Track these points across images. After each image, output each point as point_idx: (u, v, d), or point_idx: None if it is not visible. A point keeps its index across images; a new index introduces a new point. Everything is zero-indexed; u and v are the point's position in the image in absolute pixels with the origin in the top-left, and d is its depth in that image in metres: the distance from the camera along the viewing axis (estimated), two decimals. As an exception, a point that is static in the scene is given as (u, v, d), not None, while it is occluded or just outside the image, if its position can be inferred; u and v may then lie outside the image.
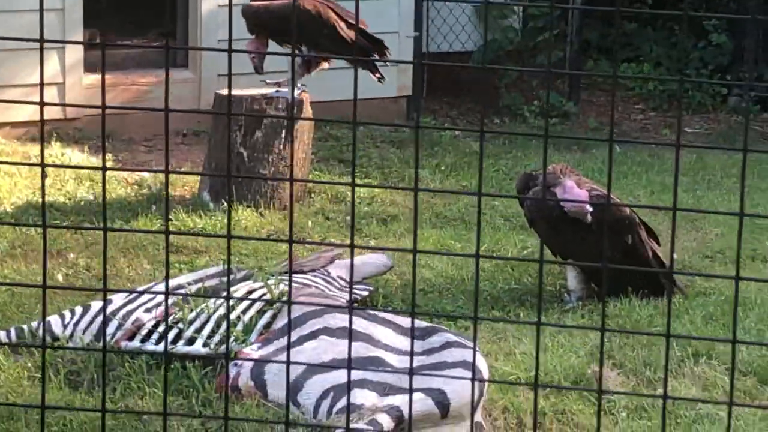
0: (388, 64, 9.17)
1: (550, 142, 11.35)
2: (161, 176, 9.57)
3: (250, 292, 6.45)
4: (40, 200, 8.74)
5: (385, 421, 5.50)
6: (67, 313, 6.54)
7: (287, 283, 6.59)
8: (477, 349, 5.98)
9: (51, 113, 10.36)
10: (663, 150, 11.40)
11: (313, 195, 9.31)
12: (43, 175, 3.86)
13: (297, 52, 8.83)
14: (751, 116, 12.76)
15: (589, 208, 7.21)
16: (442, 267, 7.87)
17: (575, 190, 7.24)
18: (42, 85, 3.21)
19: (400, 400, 5.57)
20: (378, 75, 8.95)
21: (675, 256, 7.58)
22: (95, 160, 9.95)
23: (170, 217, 8.65)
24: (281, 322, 6.19)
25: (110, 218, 8.59)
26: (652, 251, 7.38)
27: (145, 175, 9.75)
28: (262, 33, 8.74)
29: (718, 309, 7.17)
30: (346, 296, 6.87)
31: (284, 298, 6.40)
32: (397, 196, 9.50)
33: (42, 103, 3.00)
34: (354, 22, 8.71)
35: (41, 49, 3.08)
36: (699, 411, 6.07)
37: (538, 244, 8.19)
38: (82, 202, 9.01)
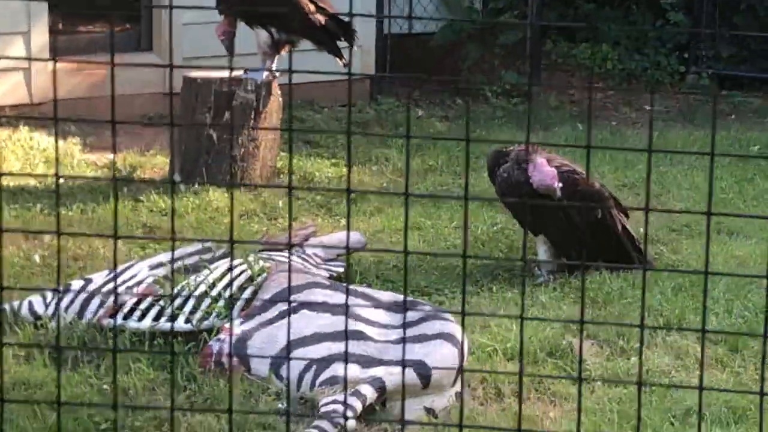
0: (355, 47, 9.22)
1: (515, 120, 11.49)
2: (130, 159, 9.63)
3: (230, 269, 6.52)
4: (10, 185, 8.87)
5: (368, 391, 5.60)
6: (49, 293, 6.59)
7: (266, 259, 6.70)
8: (452, 321, 6.10)
9: (18, 98, 10.40)
10: (625, 127, 11.57)
11: (282, 176, 9.40)
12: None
13: (268, 33, 8.88)
14: (708, 93, 12.93)
15: (558, 184, 7.32)
16: (413, 244, 7.97)
17: (545, 167, 7.35)
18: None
19: (382, 372, 5.67)
20: (344, 61, 9.05)
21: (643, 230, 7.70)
22: (62, 144, 9.98)
23: (141, 198, 8.72)
24: (261, 296, 6.29)
25: (82, 201, 8.65)
26: (621, 224, 7.50)
27: (113, 157, 9.81)
28: (231, 14, 8.79)
29: (686, 280, 7.30)
30: (323, 273, 6.95)
31: (264, 275, 6.49)
32: (364, 177, 9.61)
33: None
34: (322, 5, 8.79)
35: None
36: (672, 378, 6.21)
37: (506, 220, 8.32)
38: (51, 186, 9.06)
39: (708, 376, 6.25)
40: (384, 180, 9.60)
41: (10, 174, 9.14)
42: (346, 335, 5.24)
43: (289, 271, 3.73)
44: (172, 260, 4.30)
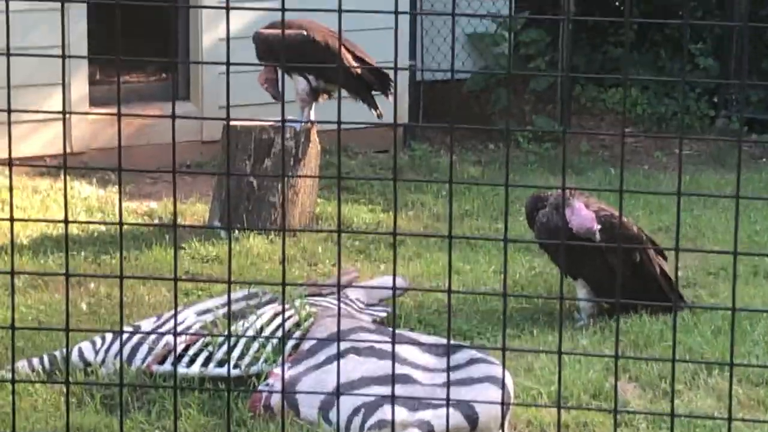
0: (388, 98, 9.28)
1: (547, 165, 11.55)
2: (170, 206, 9.72)
3: (277, 314, 6.60)
4: (54, 233, 8.96)
5: (417, 435, 5.68)
6: (98, 339, 6.67)
7: (311, 304, 6.77)
8: (498, 364, 6.16)
9: (57, 148, 10.51)
10: (657, 171, 11.61)
11: (320, 221, 9.48)
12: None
13: (306, 81, 8.98)
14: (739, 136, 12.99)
15: (597, 227, 7.38)
16: (454, 287, 8.03)
17: (583, 211, 7.42)
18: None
19: (430, 415, 5.74)
20: (378, 112, 9.14)
21: (681, 273, 7.77)
22: (102, 193, 10.08)
23: (183, 245, 8.80)
24: (309, 342, 6.35)
25: (126, 248, 8.73)
26: (660, 268, 7.56)
27: (154, 205, 9.91)
28: (271, 61, 8.88)
29: (725, 322, 7.35)
30: (366, 317, 7.02)
31: (311, 320, 6.56)
32: (401, 222, 9.68)
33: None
34: (360, 55, 8.89)
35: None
36: (716, 421, 6.25)
37: (544, 264, 8.39)
38: (95, 234, 9.16)
39: (750, 415, 6.29)
40: (420, 224, 9.68)
41: (52, 221, 9.24)
42: (393, 379, 5.29)
43: (339, 315, 3.78)
44: (229, 303, 4.36)
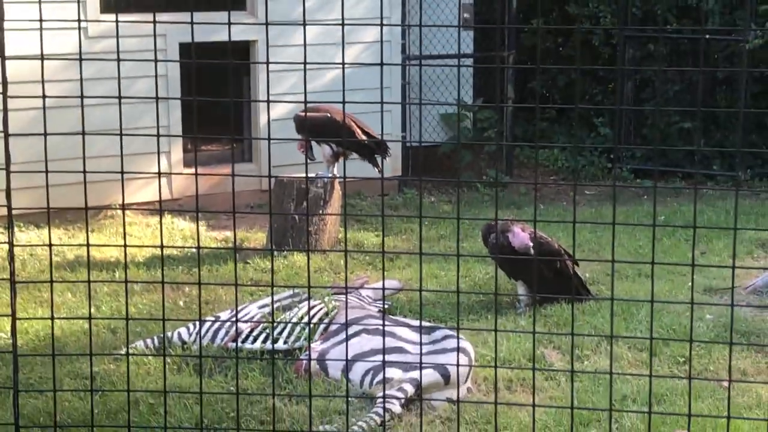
0: (386, 159, 9.34)
1: (497, 203, 11.56)
2: (240, 234, 9.77)
3: (312, 307, 6.64)
4: (162, 254, 8.99)
5: (408, 388, 5.70)
6: (191, 326, 6.71)
7: (336, 300, 6.79)
8: (464, 339, 6.19)
9: (163, 195, 10.57)
10: (570, 206, 11.62)
11: (341, 244, 9.52)
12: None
13: (330, 147, 9.05)
14: (627, 181, 13.01)
15: (530, 244, 7.41)
16: (432, 287, 8.06)
17: (521, 234, 7.46)
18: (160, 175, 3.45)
19: (417, 374, 5.77)
20: (378, 169, 9.18)
21: (587, 275, 7.78)
22: (193, 226, 10.11)
23: (248, 261, 8.83)
24: (334, 326, 6.39)
25: (209, 263, 8.77)
26: (573, 270, 7.59)
27: (228, 234, 9.94)
28: (305, 134, 8.96)
29: (619, 307, 7.37)
30: (374, 309, 7.05)
31: (335, 311, 6.59)
32: (398, 242, 9.71)
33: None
34: (367, 130, 8.96)
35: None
36: (613, 376, 6.25)
37: (494, 271, 8.40)
38: (188, 253, 9.19)
39: (637, 371, 6.31)
40: (410, 245, 9.70)
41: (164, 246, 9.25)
42: (384, 350, 5.30)
43: (346, 308, 3.81)
44: (272, 302, 4.39)
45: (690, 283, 8.19)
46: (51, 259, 3.96)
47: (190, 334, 6.61)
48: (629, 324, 7.09)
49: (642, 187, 12.57)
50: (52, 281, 3.72)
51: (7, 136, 3.40)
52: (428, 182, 12.44)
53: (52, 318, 4.28)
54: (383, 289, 4.93)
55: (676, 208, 11.33)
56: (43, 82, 4.09)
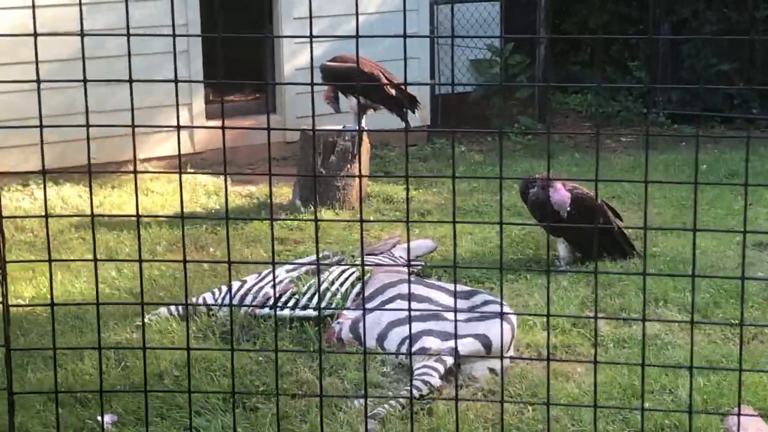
0: (416, 112, 8.99)
1: (530, 152, 11.22)
2: (265, 190, 9.45)
3: (343, 272, 6.33)
4: (186, 210, 8.70)
5: (447, 358, 5.39)
6: (216, 290, 6.42)
7: (368, 263, 6.48)
8: (506, 304, 5.87)
9: (185, 149, 10.25)
10: (608, 154, 11.25)
11: (370, 198, 9.19)
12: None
13: (356, 99, 8.69)
14: (664, 126, 12.60)
15: (569, 203, 7.09)
16: (468, 246, 7.74)
17: (562, 191, 7.11)
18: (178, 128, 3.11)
19: (456, 343, 5.46)
20: (405, 122, 8.83)
21: (630, 231, 7.43)
22: (218, 180, 9.81)
23: (275, 217, 8.53)
24: (367, 291, 6.08)
25: (233, 222, 8.46)
26: (617, 226, 7.25)
27: (252, 189, 9.63)
28: (331, 85, 8.61)
29: (666, 266, 7.04)
30: (406, 270, 6.74)
31: (369, 275, 6.28)
32: (429, 196, 9.38)
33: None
34: (396, 81, 8.59)
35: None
36: (663, 340, 5.94)
37: (534, 228, 8.07)
38: (213, 210, 8.90)
39: (688, 336, 5.98)
40: (441, 198, 9.37)
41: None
42: (410, 317, 5.01)
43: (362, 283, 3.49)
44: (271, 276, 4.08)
45: (738, 237, 7.84)
46: (48, 240, 3.62)
47: (216, 300, 6.30)
48: (677, 284, 6.74)
49: (681, 132, 12.16)
50: (50, 261, 3.39)
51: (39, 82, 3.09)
52: (458, 131, 12.06)
53: (52, 305, 3.96)
54: (407, 264, 4.59)
55: (718, 155, 10.92)
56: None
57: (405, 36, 3.10)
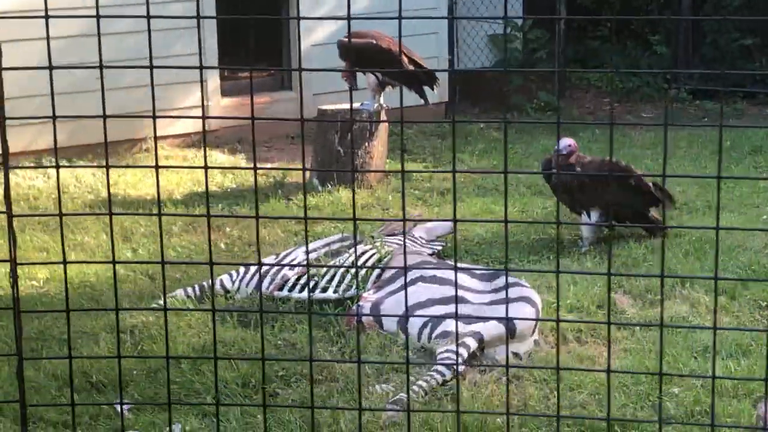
0: (434, 89, 8.84)
1: (550, 128, 11.05)
2: (283, 166, 9.31)
3: (364, 253, 6.21)
4: (200, 190, 8.59)
5: (471, 342, 5.27)
6: (234, 273, 6.30)
7: (389, 244, 6.36)
8: (529, 287, 5.75)
9: (199, 127, 10.13)
10: (629, 129, 11.07)
11: (389, 176, 9.06)
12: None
13: (375, 76, 8.53)
14: (686, 102, 12.42)
15: (573, 147, 7.04)
16: (489, 226, 7.61)
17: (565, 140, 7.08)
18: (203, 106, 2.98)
19: (480, 327, 5.33)
20: (424, 99, 8.69)
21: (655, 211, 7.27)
22: (232, 158, 9.69)
23: (291, 197, 8.41)
24: (388, 273, 5.96)
25: (246, 199, 8.36)
26: (650, 183, 7.09)
27: (269, 166, 9.51)
28: (349, 62, 8.45)
29: (692, 246, 6.90)
30: (427, 250, 6.62)
31: (389, 257, 6.16)
32: (447, 175, 9.23)
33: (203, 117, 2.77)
34: (414, 58, 8.43)
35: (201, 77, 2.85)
36: (691, 323, 5.81)
37: (553, 205, 7.95)
38: (228, 189, 8.78)
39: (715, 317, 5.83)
40: (460, 177, 9.21)
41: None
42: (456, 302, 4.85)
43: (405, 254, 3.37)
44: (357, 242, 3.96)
45: (766, 216, 7.70)
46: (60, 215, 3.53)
47: (233, 282, 6.19)
48: (704, 263, 6.61)
49: (702, 108, 11.97)
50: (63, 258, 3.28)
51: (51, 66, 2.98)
52: (476, 107, 11.90)
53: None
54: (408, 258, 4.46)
55: (741, 132, 10.73)
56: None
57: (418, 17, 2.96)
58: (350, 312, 5.71)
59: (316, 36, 10.50)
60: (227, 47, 10.50)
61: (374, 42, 8.29)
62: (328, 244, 6.39)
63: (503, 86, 12.02)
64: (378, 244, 6.28)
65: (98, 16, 2.94)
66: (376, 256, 6.16)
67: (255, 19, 9.97)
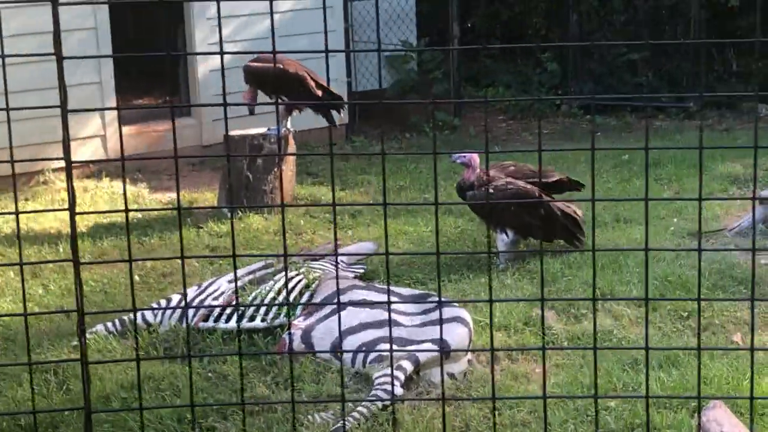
0: (341, 113, 8.87)
1: (450, 146, 11.12)
2: (188, 196, 9.17)
3: (290, 279, 6.13)
4: (105, 222, 8.38)
5: (407, 365, 5.25)
6: (155, 305, 6.16)
7: (315, 269, 6.31)
8: (459, 306, 5.76)
9: (98, 155, 9.91)
10: (525, 146, 11.22)
11: (298, 200, 8.99)
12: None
13: (282, 100, 8.46)
14: (578, 117, 12.66)
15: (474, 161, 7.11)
16: (405, 246, 7.61)
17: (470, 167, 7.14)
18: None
19: (414, 348, 5.32)
20: (331, 123, 8.68)
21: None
22: (134, 188, 9.49)
23: (202, 226, 8.28)
24: (317, 299, 5.90)
25: (154, 229, 8.19)
26: (560, 210, 7.18)
27: (173, 196, 9.34)
28: (254, 86, 8.36)
29: (608, 259, 7.00)
30: (350, 274, 6.59)
31: (316, 282, 6.10)
32: (356, 197, 9.21)
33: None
34: (321, 82, 8.40)
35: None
36: (617, 336, 5.88)
37: (465, 224, 7.98)
38: (134, 220, 8.59)
39: (640, 330, 5.93)
40: (369, 198, 9.21)
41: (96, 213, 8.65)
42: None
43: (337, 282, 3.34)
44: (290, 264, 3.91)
45: (672, 228, 7.87)
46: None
47: (156, 315, 6.05)
48: (621, 276, 6.71)
49: (595, 121, 12.20)
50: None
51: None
52: (376, 129, 11.91)
53: None
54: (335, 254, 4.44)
55: (634, 143, 10.99)
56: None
57: (349, 52, 2.94)
58: (282, 342, 5.63)
59: (214, 61, 10.39)
60: (123, 76, 10.31)
61: (281, 67, 8.23)
62: (252, 272, 6.29)
63: (403, 106, 12.08)
64: (304, 270, 6.22)
65: (107, 1, 2.84)
66: (303, 282, 6.10)
67: (150, 43, 9.84)
